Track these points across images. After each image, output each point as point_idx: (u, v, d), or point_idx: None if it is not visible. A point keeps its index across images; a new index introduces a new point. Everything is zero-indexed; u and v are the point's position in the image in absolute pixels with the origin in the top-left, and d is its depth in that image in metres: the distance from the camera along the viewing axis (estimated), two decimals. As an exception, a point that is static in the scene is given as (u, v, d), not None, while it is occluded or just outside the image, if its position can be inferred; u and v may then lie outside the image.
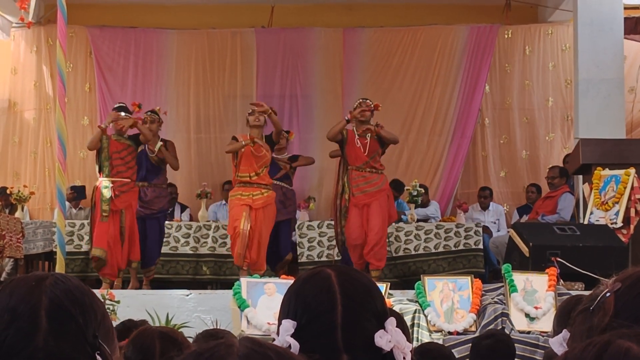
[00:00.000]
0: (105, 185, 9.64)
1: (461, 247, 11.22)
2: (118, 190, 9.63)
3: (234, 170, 9.92)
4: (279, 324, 1.94)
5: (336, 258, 10.65)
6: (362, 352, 1.89)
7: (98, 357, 1.55)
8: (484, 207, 12.71)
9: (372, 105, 9.95)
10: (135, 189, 9.90)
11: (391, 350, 1.90)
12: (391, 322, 1.92)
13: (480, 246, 11.26)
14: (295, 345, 1.84)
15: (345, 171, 9.95)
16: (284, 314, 1.94)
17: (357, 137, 9.86)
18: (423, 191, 11.95)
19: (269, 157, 9.80)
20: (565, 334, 1.60)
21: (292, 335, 1.87)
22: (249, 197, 9.62)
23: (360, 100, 10.06)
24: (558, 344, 1.58)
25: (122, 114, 9.89)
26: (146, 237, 10.30)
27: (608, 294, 1.54)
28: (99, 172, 9.84)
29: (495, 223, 12.58)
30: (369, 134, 9.84)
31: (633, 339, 1.16)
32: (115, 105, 10.38)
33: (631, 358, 1.14)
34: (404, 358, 1.90)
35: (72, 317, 1.56)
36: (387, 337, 1.89)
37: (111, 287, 9.31)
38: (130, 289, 9.74)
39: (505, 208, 13.14)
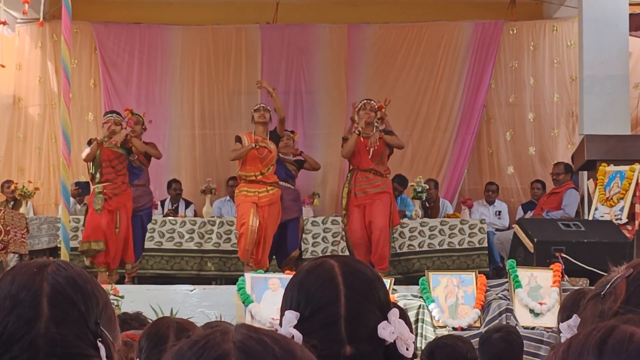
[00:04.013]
0: (98, 191, 9.73)
1: (465, 245, 11.20)
2: (111, 193, 9.70)
3: (239, 166, 9.95)
4: (282, 315, 1.93)
5: (340, 254, 10.63)
6: (365, 343, 1.88)
7: (100, 344, 1.55)
8: (490, 202, 12.73)
9: (376, 107, 9.93)
10: (128, 190, 9.97)
11: (394, 341, 1.89)
12: (394, 313, 1.92)
13: (485, 244, 11.24)
14: (298, 337, 1.83)
15: (350, 171, 9.96)
16: (287, 305, 1.94)
17: (362, 140, 9.85)
18: (427, 187, 11.94)
19: (274, 155, 9.80)
20: (575, 319, 1.60)
21: (295, 327, 1.87)
22: (255, 194, 9.64)
23: (365, 101, 10.00)
24: (567, 329, 1.58)
25: (119, 127, 9.96)
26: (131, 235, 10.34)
27: (619, 280, 1.54)
28: (92, 179, 9.94)
29: (497, 215, 12.61)
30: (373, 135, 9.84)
31: (638, 324, 1.16)
32: (107, 112, 10.47)
33: (635, 343, 1.14)
34: (406, 349, 1.90)
35: (74, 304, 1.56)
36: (390, 329, 1.89)
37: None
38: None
39: (510, 202, 13.15)
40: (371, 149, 9.76)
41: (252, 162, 9.74)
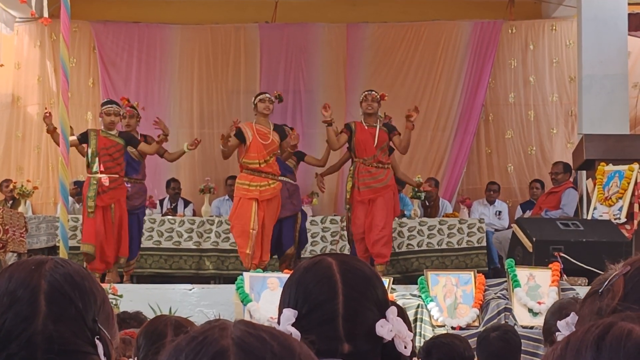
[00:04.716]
0: (92, 182, 9.65)
1: (464, 244, 11.20)
2: (106, 187, 9.64)
3: (240, 155, 9.82)
4: (280, 313, 1.93)
5: (339, 252, 10.63)
6: (363, 341, 1.88)
7: (97, 341, 1.55)
8: (490, 202, 12.72)
9: (378, 96, 9.96)
10: (123, 185, 9.90)
11: (392, 339, 1.89)
12: (392, 311, 1.92)
13: (484, 244, 11.24)
14: (296, 334, 1.83)
15: (352, 164, 9.95)
16: (285, 303, 1.94)
17: (365, 128, 9.87)
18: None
19: (277, 144, 9.75)
20: (573, 317, 1.60)
21: (293, 325, 1.87)
22: (257, 188, 9.55)
23: (366, 92, 10.04)
24: (565, 327, 1.58)
25: (118, 118, 9.94)
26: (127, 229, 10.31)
27: (617, 277, 1.54)
28: (87, 167, 9.87)
29: (497, 215, 12.60)
30: (378, 124, 9.88)
31: (636, 321, 1.16)
32: (104, 101, 10.41)
33: (633, 340, 1.14)
34: (405, 347, 1.90)
35: (72, 301, 1.56)
36: (388, 326, 1.89)
37: (102, 281, 9.39)
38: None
39: (508, 203, 13.14)
40: (376, 138, 9.77)
41: (256, 149, 9.65)
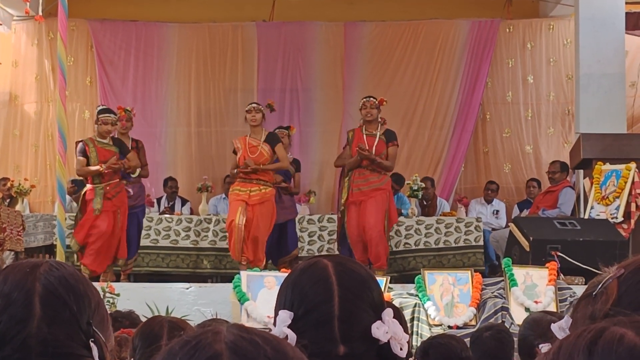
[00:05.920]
0: (98, 191, 9.60)
1: (461, 243, 11.20)
2: (114, 192, 9.64)
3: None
4: (276, 314, 1.93)
5: (335, 254, 10.62)
6: (359, 343, 1.88)
7: (92, 344, 1.55)
8: (488, 201, 12.73)
9: (376, 102, 9.91)
10: (124, 191, 9.88)
11: (388, 341, 1.89)
12: (388, 313, 1.92)
13: (481, 242, 11.24)
14: (292, 336, 1.83)
15: (349, 169, 9.93)
16: (281, 304, 1.94)
17: (364, 136, 9.83)
18: (424, 185, 11.93)
19: (267, 157, 9.72)
20: (567, 320, 1.60)
21: (289, 326, 1.87)
22: (246, 192, 9.59)
23: (364, 99, 9.97)
24: (559, 331, 1.58)
25: (114, 127, 9.92)
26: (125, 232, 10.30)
27: (611, 280, 1.54)
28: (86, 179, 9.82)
29: (495, 214, 12.61)
30: (378, 132, 9.84)
31: (628, 326, 1.16)
32: (99, 108, 10.37)
33: (625, 344, 1.14)
34: (400, 349, 1.90)
35: (66, 304, 1.56)
36: (384, 328, 1.89)
37: (96, 279, 9.39)
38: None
39: (506, 202, 13.15)
40: (374, 149, 9.74)
41: (244, 162, 9.72)
